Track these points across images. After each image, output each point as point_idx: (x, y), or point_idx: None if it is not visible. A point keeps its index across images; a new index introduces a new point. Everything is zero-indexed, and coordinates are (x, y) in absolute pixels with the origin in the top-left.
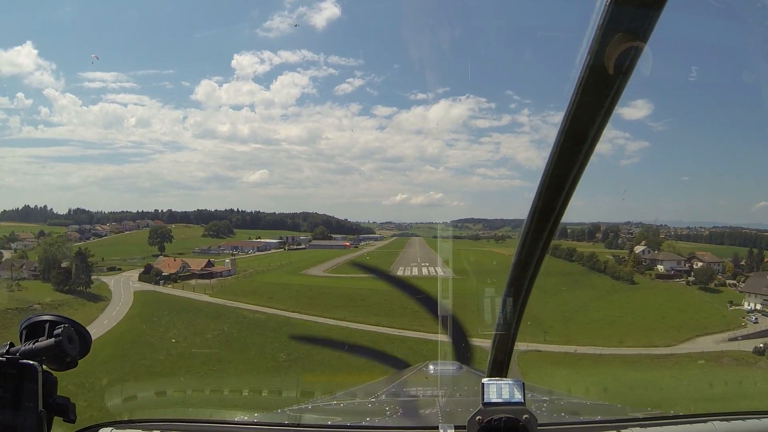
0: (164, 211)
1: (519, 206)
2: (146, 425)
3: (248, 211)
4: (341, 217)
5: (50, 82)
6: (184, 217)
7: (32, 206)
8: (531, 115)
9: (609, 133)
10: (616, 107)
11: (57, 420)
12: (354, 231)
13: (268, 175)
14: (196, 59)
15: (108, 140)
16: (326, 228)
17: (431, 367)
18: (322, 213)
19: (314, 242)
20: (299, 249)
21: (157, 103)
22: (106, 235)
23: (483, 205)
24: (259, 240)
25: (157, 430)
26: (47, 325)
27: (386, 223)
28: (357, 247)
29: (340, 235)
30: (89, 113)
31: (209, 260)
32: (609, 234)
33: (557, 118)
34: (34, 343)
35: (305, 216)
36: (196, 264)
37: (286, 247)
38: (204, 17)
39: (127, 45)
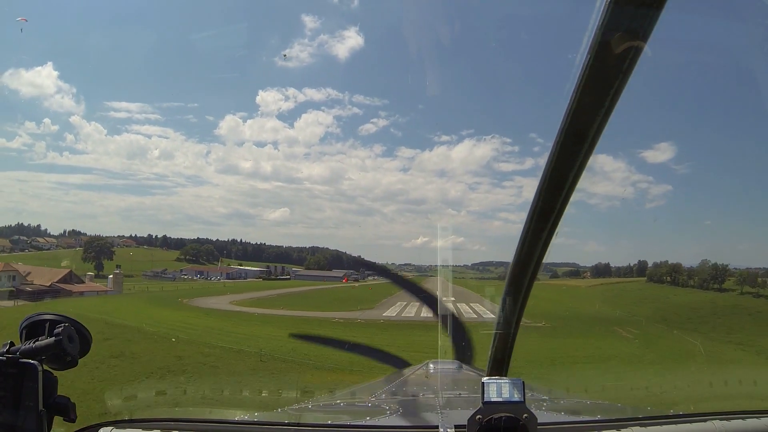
0: (159, 236)
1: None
2: (146, 425)
3: (252, 242)
4: (356, 254)
5: (71, 105)
6: (179, 244)
7: (25, 224)
8: None
9: (632, 176)
10: (641, 152)
11: (57, 419)
12: (367, 267)
13: (289, 213)
14: (221, 93)
15: (131, 171)
16: (334, 263)
17: (431, 366)
18: (333, 249)
19: (301, 273)
20: (283, 279)
21: (181, 136)
22: (48, 249)
23: (504, 250)
24: (232, 267)
25: (157, 429)
26: (47, 324)
27: (405, 264)
28: (358, 281)
29: (342, 270)
30: (113, 143)
31: (71, 272)
32: (672, 272)
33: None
34: (34, 342)
35: (314, 250)
36: (49, 276)
37: (264, 276)
38: (226, 47)
39: (152, 76)
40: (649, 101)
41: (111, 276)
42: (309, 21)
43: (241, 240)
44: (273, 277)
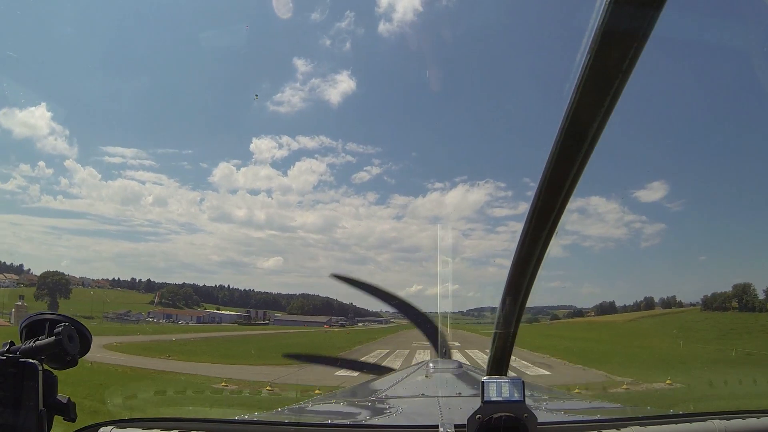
0: (143, 280)
1: (539, 295)
2: (146, 424)
3: (240, 288)
4: (347, 301)
5: (64, 148)
6: (162, 288)
7: (8, 263)
8: None
9: (626, 217)
10: (634, 192)
11: (57, 419)
12: (358, 314)
13: (282, 262)
14: (215, 140)
15: (125, 217)
16: (323, 309)
17: (431, 365)
18: (324, 295)
19: (281, 318)
20: (261, 324)
21: (175, 183)
22: (7, 286)
23: (499, 295)
24: (205, 311)
25: (157, 429)
26: (47, 324)
27: (399, 312)
28: (345, 326)
29: (327, 316)
30: (108, 188)
31: None
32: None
33: (575, 204)
34: (34, 342)
35: (305, 297)
36: None
37: (242, 321)
38: (219, 91)
39: (147, 122)
40: (639, 140)
41: (13, 309)
42: (300, 64)
43: (229, 286)
44: (252, 321)
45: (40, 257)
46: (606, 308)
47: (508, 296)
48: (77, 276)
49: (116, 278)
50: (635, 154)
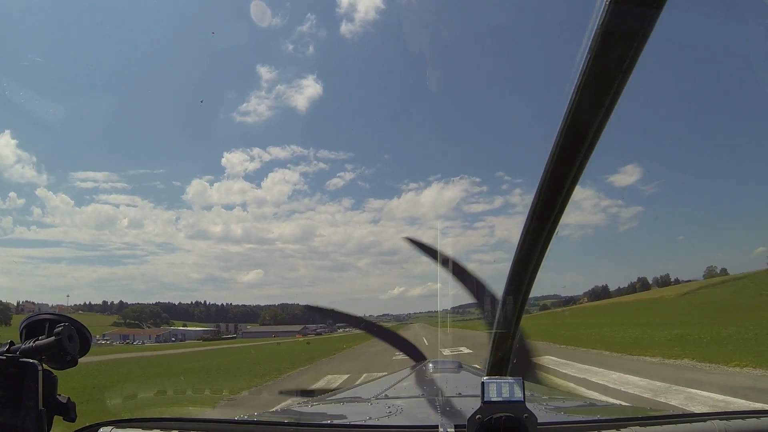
0: (114, 303)
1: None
2: (146, 424)
3: (217, 303)
4: (329, 308)
5: (33, 175)
6: (137, 309)
7: None
8: (524, 194)
9: (602, 202)
10: (608, 177)
11: (57, 419)
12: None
13: (262, 275)
14: (186, 157)
15: (101, 242)
16: (303, 318)
17: (431, 366)
18: (304, 304)
19: (250, 329)
20: (228, 338)
21: (149, 204)
22: None
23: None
24: (167, 328)
25: (157, 429)
26: (47, 324)
27: (383, 315)
28: (321, 334)
29: (300, 324)
30: (81, 214)
31: None
32: None
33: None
34: (34, 342)
35: (284, 307)
36: None
37: (208, 337)
38: (186, 106)
39: (115, 143)
40: (610, 123)
41: None
42: (264, 72)
43: (205, 302)
44: (221, 336)
45: (17, 289)
46: (599, 293)
47: (509, 296)
48: (35, 302)
49: (87, 302)
50: (607, 138)
